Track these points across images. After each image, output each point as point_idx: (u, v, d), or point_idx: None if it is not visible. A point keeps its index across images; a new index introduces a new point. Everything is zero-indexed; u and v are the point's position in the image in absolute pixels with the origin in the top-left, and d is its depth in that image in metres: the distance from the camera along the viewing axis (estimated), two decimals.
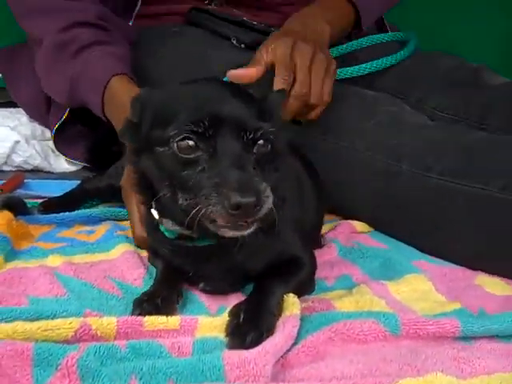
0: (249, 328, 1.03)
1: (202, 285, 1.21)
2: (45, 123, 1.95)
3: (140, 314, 1.08)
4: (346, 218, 1.56)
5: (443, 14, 2.59)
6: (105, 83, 1.53)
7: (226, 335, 1.03)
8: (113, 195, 1.55)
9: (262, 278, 1.17)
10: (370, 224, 1.54)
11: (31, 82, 1.88)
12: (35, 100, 1.91)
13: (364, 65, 1.65)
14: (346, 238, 1.49)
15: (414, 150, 1.44)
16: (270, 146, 1.07)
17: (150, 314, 1.07)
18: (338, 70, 1.56)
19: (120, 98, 1.47)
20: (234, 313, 1.07)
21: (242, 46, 1.74)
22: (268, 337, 1.02)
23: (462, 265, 1.38)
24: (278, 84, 1.39)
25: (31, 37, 1.75)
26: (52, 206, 1.55)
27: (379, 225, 1.52)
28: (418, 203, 1.42)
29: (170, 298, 1.14)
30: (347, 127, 1.53)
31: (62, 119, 1.79)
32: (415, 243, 1.45)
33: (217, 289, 1.21)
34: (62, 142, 1.86)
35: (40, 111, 1.91)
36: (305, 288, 1.23)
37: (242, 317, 1.05)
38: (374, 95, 1.59)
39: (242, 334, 1.02)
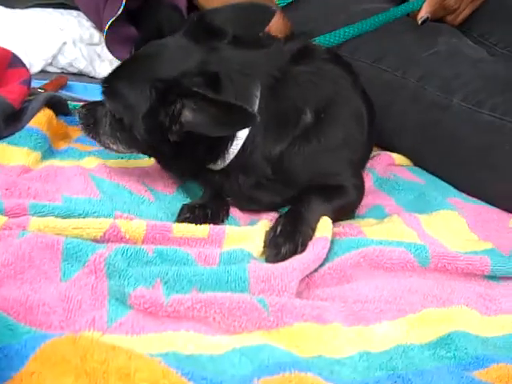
0: (284, 240, 1.04)
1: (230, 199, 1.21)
2: (98, 21, 1.93)
3: (188, 219, 1.09)
4: (388, 150, 1.53)
5: None
6: None
7: (264, 247, 1.04)
8: None
9: (303, 194, 1.16)
10: (410, 158, 1.51)
11: None
12: None
13: None
14: (383, 168, 1.47)
15: (468, 84, 1.40)
16: None
17: (200, 221, 1.08)
18: (407, 3, 1.52)
19: None
20: (272, 226, 1.09)
21: None
22: (303, 249, 1.03)
23: (499, 206, 1.36)
24: None
25: None
26: None
27: (420, 159, 1.50)
28: (464, 139, 1.39)
29: (218, 213, 1.15)
30: (403, 55, 1.49)
31: (117, 14, 1.77)
32: (454, 180, 1.43)
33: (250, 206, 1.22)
34: (113, 41, 1.84)
35: (97, 8, 1.89)
36: (345, 214, 1.23)
37: (279, 229, 1.07)
38: (435, 25, 1.55)
39: (278, 246, 1.04)
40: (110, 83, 1.15)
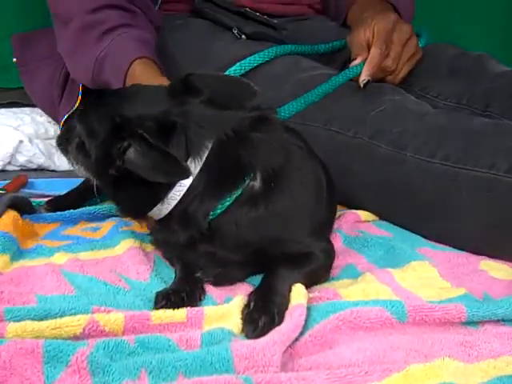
0: (259, 313, 1.06)
1: (201, 274, 1.22)
2: (54, 114, 1.96)
3: (164, 306, 1.10)
4: (351, 208, 1.56)
5: (443, 7, 2.60)
6: (127, 67, 1.57)
7: (242, 326, 1.05)
8: None
9: (271, 267, 1.17)
10: (374, 213, 1.54)
11: (46, 70, 1.91)
12: (49, 88, 1.92)
13: None
14: (350, 227, 1.49)
15: (418, 137, 1.44)
16: None
17: (177, 306, 1.09)
18: (347, 70, 1.58)
19: (141, 82, 1.50)
20: (246, 302, 1.10)
21: (243, 36, 1.74)
22: (280, 320, 1.05)
23: (466, 250, 1.38)
24: (375, 55, 1.54)
25: (58, 17, 1.75)
26: (58, 203, 1.56)
27: (383, 213, 1.53)
28: (422, 190, 1.42)
29: (194, 294, 1.16)
30: (351, 116, 1.54)
31: (73, 109, 1.81)
32: (419, 230, 1.45)
33: (216, 279, 1.23)
34: None
35: (52, 100, 1.93)
36: (317, 280, 1.24)
37: (252, 304, 1.08)
38: (378, 85, 1.60)
39: (254, 321, 1.04)
40: (83, 108, 1.24)
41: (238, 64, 1.59)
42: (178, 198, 1.15)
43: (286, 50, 1.69)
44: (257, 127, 1.20)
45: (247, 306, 1.09)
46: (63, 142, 1.27)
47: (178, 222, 1.18)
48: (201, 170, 1.14)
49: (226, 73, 1.57)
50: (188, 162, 1.13)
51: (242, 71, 1.59)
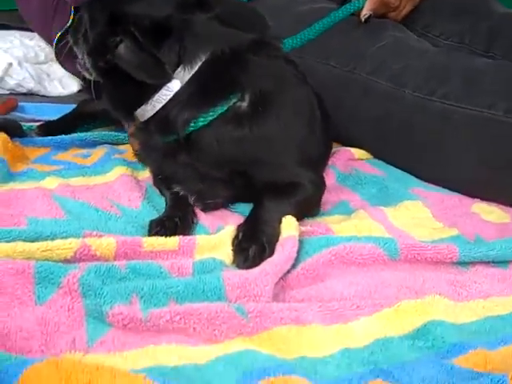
0: (249, 243, 1.06)
1: (178, 189, 1.23)
2: (48, 36, 1.92)
3: (159, 232, 1.10)
4: (345, 145, 1.55)
5: None
6: None
7: (233, 257, 1.05)
8: (110, 119, 1.54)
9: (258, 198, 1.17)
10: (369, 151, 1.53)
11: None
12: (43, 9, 1.87)
13: None
14: (344, 164, 1.48)
15: (418, 74, 1.42)
16: None
17: (171, 232, 1.10)
18: (348, 4, 1.55)
19: None
20: (235, 233, 1.10)
21: None
22: (271, 250, 1.05)
23: (460, 192, 1.38)
24: None
25: None
26: (49, 128, 1.54)
27: (378, 151, 1.51)
28: (420, 128, 1.41)
29: (186, 219, 1.17)
30: (351, 51, 1.51)
31: (66, 27, 1.76)
32: (414, 170, 1.44)
33: (198, 197, 1.23)
34: (64, 55, 1.83)
35: (46, 21, 1.88)
36: (306, 211, 1.23)
37: (241, 234, 1.08)
38: (380, 21, 1.57)
39: (244, 250, 1.05)
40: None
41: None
42: (164, 102, 1.15)
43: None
44: (256, 50, 1.19)
45: (236, 236, 1.09)
46: (74, 34, 1.25)
47: (158, 126, 1.18)
48: (190, 79, 1.14)
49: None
50: (178, 69, 1.13)
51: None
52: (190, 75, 1.14)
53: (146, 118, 1.19)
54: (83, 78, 1.34)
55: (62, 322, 0.88)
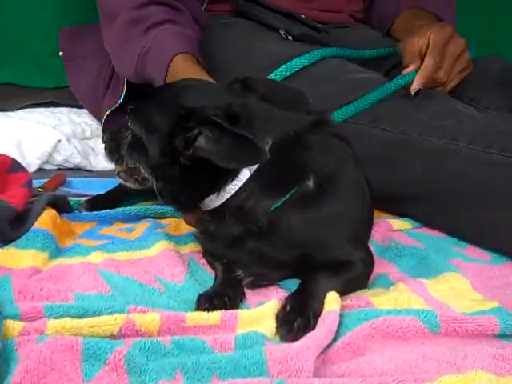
0: (295, 315, 1.07)
1: (240, 273, 1.23)
2: (96, 110, 1.99)
3: (208, 309, 1.11)
4: (395, 208, 1.57)
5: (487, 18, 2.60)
6: (168, 61, 1.59)
7: (277, 328, 1.07)
8: (153, 193, 1.58)
9: (310, 273, 1.19)
10: (418, 213, 1.55)
11: (92, 65, 1.97)
12: (94, 83, 1.96)
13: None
14: (382, 236, 1.49)
15: (471, 130, 1.45)
16: None
17: (219, 309, 1.11)
18: (399, 77, 1.60)
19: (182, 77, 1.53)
20: (282, 305, 1.11)
21: (290, 38, 1.76)
22: (314, 325, 1.06)
23: (509, 252, 1.39)
24: (428, 65, 1.55)
25: (105, 13, 1.79)
26: (97, 202, 1.59)
27: (428, 212, 1.53)
28: (473, 180, 1.43)
29: (236, 298, 1.18)
30: (400, 114, 1.55)
31: (117, 104, 1.84)
32: (462, 226, 1.46)
33: (255, 279, 1.24)
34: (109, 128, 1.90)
35: (96, 96, 1.96)
36: (353, 288, 1.24)
37: (288, 306, 1.10)
38: (427, 91, 1.61)
39: (290, 322, 1.06)
40: (136, 105, 1.24)
41: (284, 66, 1.62)
42: (233, 192, 1.17)
43: (332, 52, 1.72)
44: (316, 131, 1.23)
45: (283, 307, 1.11)
46: (114, 152, 1.28)
47: (234, 216, 1.19)
48: (259, 166, 1.15)
49: (272, 74, 1.61)
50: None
51: (288, 73, 1.62)
52: None
53: (210, 208, 1.21)
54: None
55: None
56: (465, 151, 1.44)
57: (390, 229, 1.53)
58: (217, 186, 1.17)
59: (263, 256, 1.21)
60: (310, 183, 1.19)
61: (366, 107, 1.56)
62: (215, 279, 1.24)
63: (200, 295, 1.16)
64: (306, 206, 1.18)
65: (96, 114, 2.03)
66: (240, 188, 1.16)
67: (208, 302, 1.14)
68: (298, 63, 1.63)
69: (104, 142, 1.31)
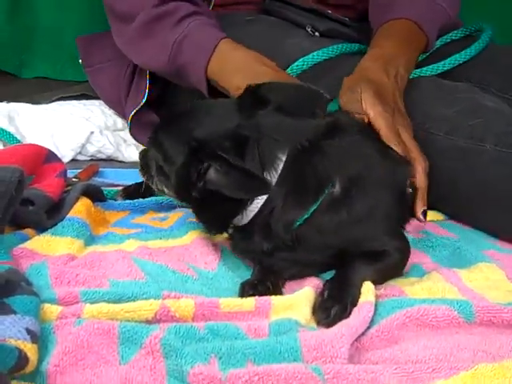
0: (333, 302, 1.09)
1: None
2: (121, 110, 2.01)
3: (253, 295, 1.12)
4: None
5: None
6: (213, 45, 1.59)
7: (313, 313, 1.08)
8: None
9: (347, 261, 1.19)
10: (444, 212, 1.54)
11: (111, 71, 1.98)
12: (115, 87, 1.97)
13: (436, 65, 1.66)
14: (414, 227, 1.48)
15: (499, 129, 1.44)
16: None
17: (263, 295, 1.12)
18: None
19: (233, 60, 1.55)
20: (320, 292, 1.13)
21: (317, 34, 1.76)
22: (352, 309, 1.07)
23: None
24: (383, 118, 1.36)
25: (119, 14, 1.79)
26: (133, 191, 1.60)
27: (454, 212, 1.52)
28: (501, 181, 1.42)
29: (278, 284, 1.19)
30: (425, 113, 1.52)
31: (140, 105, 1.85)
32: (491, 226, 1.45)
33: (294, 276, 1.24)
34: (137, 128, 1.92)
35: (119, 99, 1.98)
36: (390, 277, 1.25)
37: (326, 293, 1.11)
38: (452, 84, 1.59)
39: (327, 309, 1.07)
40: (155, 134, 1.27)
41: (301, 59, 1.61)
42: (256, 210, 1.17)
43: (353, 48, 1.70)
44: (330, 134, 1.21)
45: (321, 294, 1.12)
46: (145, 171, 1.31)
47: (260, 233, 1.20)
48: (277, 182, 1.15)
49: (289, 69, 1.60)
50: (264, 175, 1.15)
51: (305, 66, 1.61)
52: (276, 178, 1.15)
53: (240, 225, 1.22)
54: None
55: (144, 381, 0.91)
56: (492, 152, 1.42)
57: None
58: (238, 210, 1.18)
59: (296, 261, 1.22)
60: (336, 188, 1.18)
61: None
62: (255, 268, 1.25)
63: (243, 283, 1.18)
64: (336, 211, 1.18)
65: (118, 110, 2.05)
66: (264, 204, 1.17)
67: (252, 288, 1.15)
68: (315, 57, 1.62)
69: (139, 157, 1.35)
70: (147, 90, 1.85)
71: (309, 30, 1.76)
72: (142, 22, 1.70)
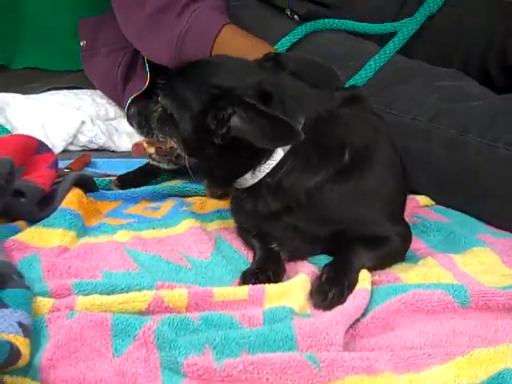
0: (330, 285, 1.09)
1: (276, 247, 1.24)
2: (115, 96, 2.00)
3: (254, 283, 1.12)
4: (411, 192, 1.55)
5: None
6: (215, 33, 1.61)
7: (310, 296, 1.08)
8: (178, 172, 1.58)
9: (348, 245, 1.19)
10: (431, 197, 1.53)
11: (109, 55, 1.98)
12: (111, 72, 1.96)
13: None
14: (408, 212, 1.47)
15: (482, 120, 1.43)
16: None
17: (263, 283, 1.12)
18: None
19: (232, 46, 1.56)
20: (319, 275, 1.13)
21: (296, 17, 1.75)
22: (349, 294, 1.07)
23: None
24: None
25: (128, 4, 1.78)
26: (128, 180, 1.59)
27: (442, 198, 1.51)
28: (484, 174, 1.41)
29: (279, 272, 1.18)
30: (411, 100, 1.53)
31: (140, 91, 1.84)
32: (480, 216, 1.44)
33: (291, 255, 1.24)
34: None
35: (114, 84, 1.96)
36: (390, 262, 1.25)
37: (324, 276, 1.11)
38: (441, 69, 1.59)
39: (324, 292, 1.07)
40: (168, 80, 1.24)
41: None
42: (267, 171, 1.17)
43: (330, 24, 1.70)
44: (347, 105, 1.23)
45: (319, 277, 1.12)
46: (144, 126, 1.27)
47: (272, 193, 1.19)
48: (293, 145, 1.15)
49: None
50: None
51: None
52: None
53: (244, 187, 1.21)
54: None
55: (138, 373, 0.91)
56: (474, 144, 1.42)
57: (417, 205, 1.51)
58: (251, 165, 1.17)
59: (299, 231, 1.22)
60: (346, 158, 1.19)
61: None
62: (255, 255, 1.24)
63: (244, 272, 1.17)
64: (343, 182, 1.19)
65: (114, 99, 2.04)
66: (276, 166, 1.16)
67: (253, 277, 1.14)
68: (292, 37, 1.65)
69: (132, 114, 1.31)
70: (149, 77, 1.84)
71: (288, 13, 1.76)
72: (148, 14, 1.71)
